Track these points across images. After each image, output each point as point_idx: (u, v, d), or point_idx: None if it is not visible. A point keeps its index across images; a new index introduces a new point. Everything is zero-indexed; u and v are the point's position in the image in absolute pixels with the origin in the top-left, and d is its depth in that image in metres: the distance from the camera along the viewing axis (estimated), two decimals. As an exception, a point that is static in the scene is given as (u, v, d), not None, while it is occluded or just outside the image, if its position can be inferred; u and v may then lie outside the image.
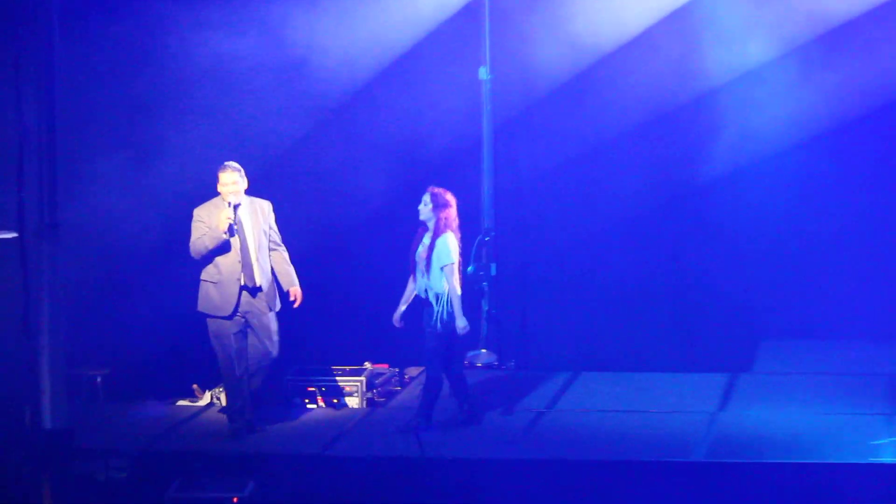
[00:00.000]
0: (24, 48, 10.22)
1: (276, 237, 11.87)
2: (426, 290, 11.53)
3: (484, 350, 13.65)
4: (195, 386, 13.07)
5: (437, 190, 11.50)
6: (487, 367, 13.50)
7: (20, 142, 10.16)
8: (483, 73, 13.49)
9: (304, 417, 12.43)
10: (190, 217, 11.89)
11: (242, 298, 11.73)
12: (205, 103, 13.44)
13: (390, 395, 13.17)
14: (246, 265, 11.66)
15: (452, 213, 11.48)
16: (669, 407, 11.85)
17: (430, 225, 11.45)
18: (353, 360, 13.09)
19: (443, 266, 11.36)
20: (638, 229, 13.84)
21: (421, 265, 11.50)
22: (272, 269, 11.90)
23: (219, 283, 11.66)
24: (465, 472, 10.76)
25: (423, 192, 11.81)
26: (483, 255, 13.37)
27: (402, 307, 11.68)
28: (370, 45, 13.52)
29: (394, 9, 13.46)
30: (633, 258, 13.81)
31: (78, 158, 12.35)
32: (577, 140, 13.70)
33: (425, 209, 11.47)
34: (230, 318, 11.75)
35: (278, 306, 11.96)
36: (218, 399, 12.86)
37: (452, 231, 11.47)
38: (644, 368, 12.90)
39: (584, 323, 13.76)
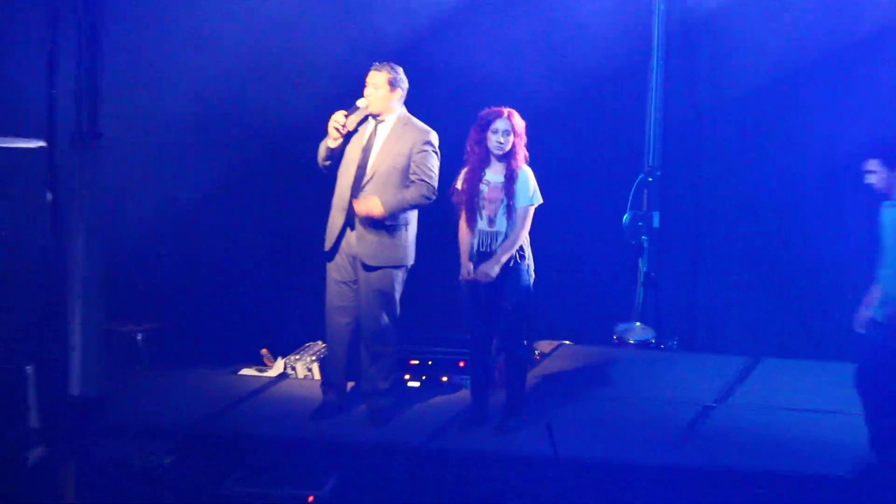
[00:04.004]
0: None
1: (419, 171, 9.29)
2: (501, 240, 9.21)
3: (638, 323, 11.25)
4: (264, 351, 10.56)
5: (513, 112, 9.15)
6: (642, 344, 11.17)
7: (53, 25, 7.86)
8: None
9: (405, 399, 9.97)
10: (259, 142, 10.67)
11: (347, 237, 9.28)
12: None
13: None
14: (354, 194, 9.22)
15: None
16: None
17: (503, 158, 9.15)
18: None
19: (528, 206, 9.17)
20: (847, 182, 10.76)
21: (490, 209, 9.17)
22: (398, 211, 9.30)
23: (333, 207, 9.32)
24: (609, 478, 8.58)
25: (577, 113, 10.73)
26: (644, 200, 11.09)
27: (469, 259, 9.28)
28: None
29: None
30: (838, 218, 10.97)
31: (129, 51, 10.16)
32: (781, 59, 10.85)
33: (506, 140, 9.03)
34: (332, 254, 9.33)
35: (382, 260, 9.31)
36: (293, 369, 10.44)
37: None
38: (844, 357, 10.06)
39: (771, 296, 11.19)
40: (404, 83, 9.22)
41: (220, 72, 10.83)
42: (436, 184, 9.13)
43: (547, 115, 10.44)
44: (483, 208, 9.14)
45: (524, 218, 9.12)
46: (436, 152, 9.17)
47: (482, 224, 9.14)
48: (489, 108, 9.08)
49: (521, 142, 9.12)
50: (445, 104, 10.01)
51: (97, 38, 7.72)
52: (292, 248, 10.49)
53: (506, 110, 9.06)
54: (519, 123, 9.11)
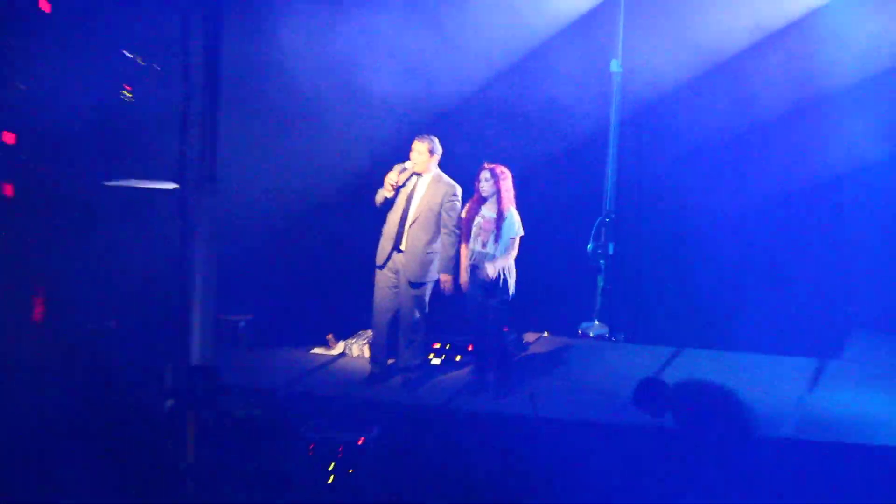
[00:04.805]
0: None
1: (448, 222, 9.59)
2: (491, 259, 9.47)
3: (597, 322, 11.67)
4: (329, 336, 10.98)
5: (496, 166, 9.44)
6: (599, 337, 11.56)
7: (185, 95, 7.84)
8: (615, 65, 11.28)
9: (429, 372, 10.26)
10: (334, 182, 10.78)
11: (394, 258, 9.67)
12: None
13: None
14: (400, 229, 9.59)
15: (511, 186, 9.48)
16: (761, 386, 9.71)
17: (492, 199, 9.40)
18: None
19: (513, 237, 9.41)
20: (747, 222, 11.50)
21: (483, 236, 9.43)
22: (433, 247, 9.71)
23: (383, 235, 9.64)
24: (575, 432, 8.91)
25: (556, 172, 10.80)
26: (602, 234, 11.56)
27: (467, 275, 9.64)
28: (507, 35, 11.37)
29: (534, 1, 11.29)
30: (741, 248, 11.51)
31: (238, 116, 9.66)
32: (700, 136, 11.36)
33: (487, 185, 9.36)
34: (381, 268, 9.67)
35: (420, 278, 9.66)
36: (350, 350, 10.81)
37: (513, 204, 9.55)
38: (742, 349, 10.75)
39: (692, 303, 11.53)
40: (439, 149, 9.67)
41: (306, 129, 11.06)
42: (457, 222, 9.60)
43: (534, 172, 10.94)
44: (479, 235, 9.43)
45: (512, 245, 9.45)
46: (459, 202, 9.60)
47: (476, 246, 9.42)
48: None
49: (506, 187, 9.37)
50: (463, 160, 10.15)
51: (216, 105, 7.69)
52: (351, 263, 10.76)
53: (489, 165, 9.40)
54: (502, 174, 9.39)
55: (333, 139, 11.12)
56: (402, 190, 9.60)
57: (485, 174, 9.39)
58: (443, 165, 9.81)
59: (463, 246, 9.51)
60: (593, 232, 11.35)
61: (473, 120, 11.38)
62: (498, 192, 9.35)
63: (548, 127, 11.37)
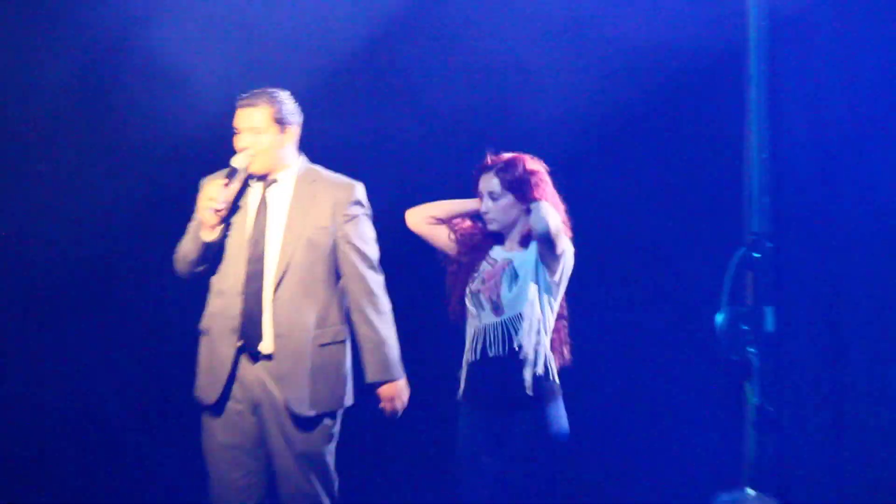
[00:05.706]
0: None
1: (359, 261, 5.43)
2: (514, 346, 5.35)
3: (751, 491, 6.52)
4: None
5: (515, 157, 5.33)
6: None
7: None
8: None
9: None
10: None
11: (243, 372, 5.34)
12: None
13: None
14: (250, 303, 5.33)
15: (554, 193, 5.43)
16: None
17: (513, 231, 5.43)
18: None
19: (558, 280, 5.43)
20: None
21: (491, 294, 5.41)
22: (338, 326, 5.54)
23: (209, 330, 5.40)
24: None
25: (643, 165, 6.60)
26: (748, 288, 6.54)
27: None
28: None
29: None
30: None
31: None
32: None
33: (499, 206, 5.29)
34: (217, 411, 5.32)
35: (314, 406, 5.37)
36: None
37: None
38: None
39: None
40: (297, 116, 5.56)
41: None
42: (378, 260, 5.59)
43: (593, 166, 6.56)
44: (484, 297, 5.68)
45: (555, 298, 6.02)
46: (368, 215, 5.63)
47: (477, 320, 5.75)
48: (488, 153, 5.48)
49: (544, 196, 5.64)
50: (416, 137, 6.38)
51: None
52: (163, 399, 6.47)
53: (496, 158, 5.42)
54: (532, 176, 5.36)
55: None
56: (237, 220, 5.53)
57: (486, 182, 5.43)
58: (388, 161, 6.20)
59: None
60: (727, 285, 6.43)
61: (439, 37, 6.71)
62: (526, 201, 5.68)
63: (625, 73, 6.56)
